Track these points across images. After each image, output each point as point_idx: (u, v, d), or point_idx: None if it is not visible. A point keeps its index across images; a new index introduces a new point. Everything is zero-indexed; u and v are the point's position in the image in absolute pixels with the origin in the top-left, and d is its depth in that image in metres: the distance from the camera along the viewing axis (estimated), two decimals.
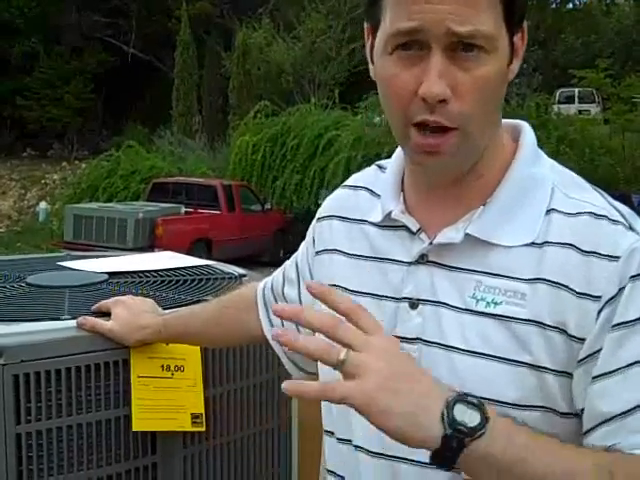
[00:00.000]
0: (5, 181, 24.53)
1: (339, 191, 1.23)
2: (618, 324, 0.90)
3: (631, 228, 0.94)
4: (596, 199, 0.97)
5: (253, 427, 1.73)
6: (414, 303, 1.01)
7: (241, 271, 2.08)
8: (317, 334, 0.87)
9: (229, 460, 1.68)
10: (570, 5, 28.33)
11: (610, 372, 0.90)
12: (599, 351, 0.90)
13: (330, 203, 1.22)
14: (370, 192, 1.15)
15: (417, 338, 1.00)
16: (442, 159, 0.95)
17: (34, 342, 1.44)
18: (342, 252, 1.13)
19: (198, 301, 1.71)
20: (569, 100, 21.24)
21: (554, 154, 14.91)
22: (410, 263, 1.03)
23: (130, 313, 1.49)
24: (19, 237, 18.86)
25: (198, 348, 1.55)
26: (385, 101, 0.97)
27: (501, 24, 0.92)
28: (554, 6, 26.85)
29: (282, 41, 22.63)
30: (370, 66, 1.02)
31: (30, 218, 21.40)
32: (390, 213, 1.06)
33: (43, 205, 20.72)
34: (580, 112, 19.28)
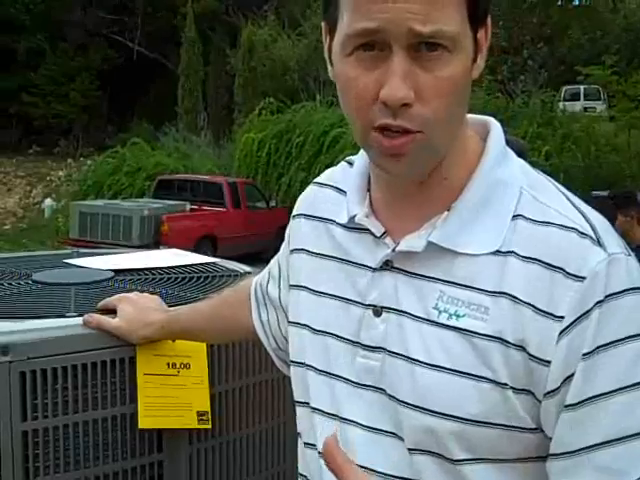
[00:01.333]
0: (11, 178, 24.58)
1: (308, 188, 1.19)
2: (589, 352, 0.85)
3: (599, 243, 0.89)
4: (567, 208, 0.93)
5: (259, 424, 1.73)
6: (378, 310, 0.98)
7: (246, 268, 2.08)
8: None
9: (235, 457, 1.68)
10: (576, 1, 28.26)
11: (578, 403, 0.86)
12: (568, 379, 0.86)
13: (301, 200, 1.19)
14: (337, 190, 1.10)
15: (380, 347, 0.97)
16: (406, 162, 0.91)
17: (40, 339, 1.44)
18: (307, 251, 1.11)
19: (203, 298, 1.71)
20: (575, 97, 21.20)
21: (559, 151, 14.89)
22: (375, 269, 0.99)
23: (135, 310, 1.49)
24: (24, 234, 18.91)
25: (204, 346, 1.55)
26: (345, 104, 0.93)
27: (465, 21, 0.88)
28: (560, 2, 26.78)
29: (287, 38, 22.62)
30: (329, 67, 0.98)
31: (36, 215, 21.45)
32: (355, 217, 1.02)
33: (49, 202, 20.74)
34: (586, 109, 19.27)
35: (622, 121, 15.35)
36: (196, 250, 10.19)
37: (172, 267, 2.07)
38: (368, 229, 1.01)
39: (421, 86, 0.87)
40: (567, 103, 19.26)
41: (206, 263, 2.15)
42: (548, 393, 0.88)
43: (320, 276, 1.07)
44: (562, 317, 0.86)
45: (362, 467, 0.94)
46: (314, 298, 1.07)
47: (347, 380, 1.01)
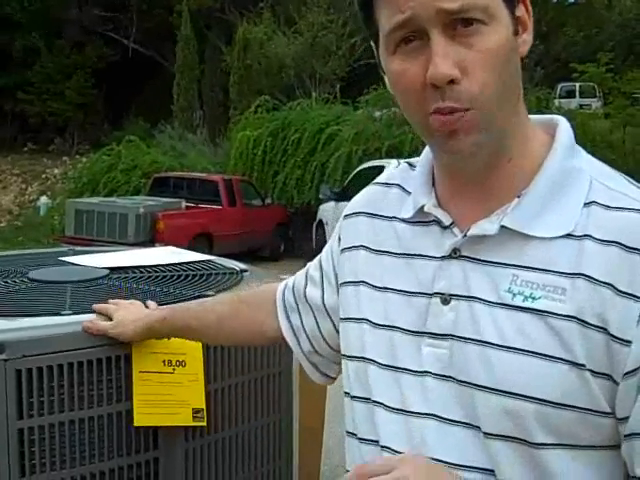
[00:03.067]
0: (6, 175, 24.53)
1: (369, 187, 1.19)
2: None
3: None
4: (638, 194, 0.94)
5: (254, 421, 1.74)
6: (446, 299, 0.98)
7: (242, 266, 2.09)
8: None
9: (230, 454, 1.69)
10: None
11: None
12: None
13: (358, 199, 1.19)
14: (402, 189, 1.12)
15: (449, 334, 0.97)
16: (465, 138, 0.92)
17: (36, 337, 1.45)
18: (367, 248, 1.11)
19: (199, 296, 1.71)
20: (570, 94, 21.21)
21: None
22: (442, 258, 1.00)
23: (129, 312, 1.50)
24: (20, 232, 18.86)
25: (200, 344, 1.55)
26: (400, 100, 0.96)
27: None
28: (556, 0, 26.81)
29: (283, 35, 22.57)
30: (386, 80, 1.00)
31: (31, 213, 21.39)
32: (422, 208, 1.03)
33: (44, 199, 20.70)
34: (581, 106, 19.27)
35: (617, 118, 15.35)
36: (192, 248, 10.17)
37: (168, 265, 2.08)
38: (434, 220, 1.03)
39: (465, 62, 0.89)
40: (562, 100, 19.26)
41: (202, 261, 2.15)
42: (627, 373, 0.87)
43: (381, 272, 1.07)
44: None
45: (433, 459, 0.96)
46: (375, 293, 1.07)
47: (413, 371, 1.00)
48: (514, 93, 0.96)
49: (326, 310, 1.23)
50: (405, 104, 0.96)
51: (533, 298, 0.92)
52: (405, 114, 0.98)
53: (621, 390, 0.88)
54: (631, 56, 22.49)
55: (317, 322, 1.26)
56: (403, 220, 1.08)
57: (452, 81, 0.89)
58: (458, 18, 0.88)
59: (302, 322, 1.28)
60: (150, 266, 2.05)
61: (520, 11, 0.95)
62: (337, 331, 1.18)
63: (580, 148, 1.01)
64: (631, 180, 0.98)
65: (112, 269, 1.98)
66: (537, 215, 0.95)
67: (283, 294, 1.34)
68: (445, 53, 0.89)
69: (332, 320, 1.22)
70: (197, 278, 1.94)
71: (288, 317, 1.31)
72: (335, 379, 1.31)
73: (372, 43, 1.01)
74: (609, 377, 0.89)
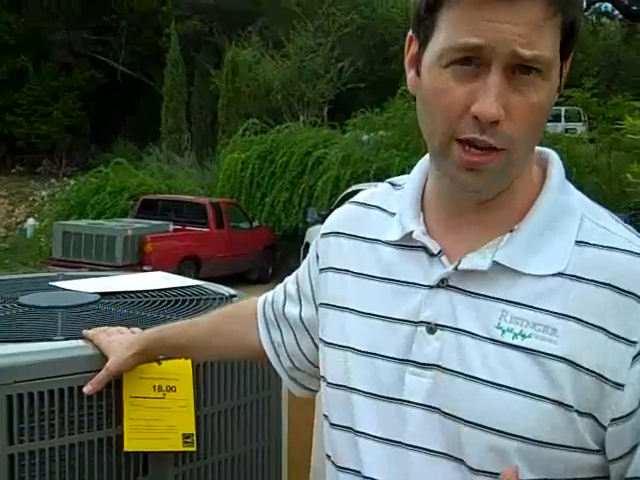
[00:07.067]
0: None
1: (347, 207, 1.18)
2: None
3: None
4: (629, 235, 0.95)
5: (244, 446, 1.74)
6: (432, 328, 0.98)
7: (231, 291, 2.10)
8: None
9: (220, 479, 1.69)
10: None
11: None
12: None
13: (337, 218, 1.18)
14: (383, 211, 1.11)
15: (434, 365, 0.97)
16: (483, 178, 0.92)
17: (27, 363, 1.45)
18: (351, 272, 1.09)
19: None
20: (555, 118, 21.33)
21: None
22: (430, 287, 0.99)
23: (119, 344, 1.49)
24: (7, 254, 18.77)
25: (190, 368, 1.56)
26: (429, 113, 0.95)
27: (557, 50, 0.91)
28: None
29: (271, 59, 22.70)
30: (408, 75, 0.99)
31: (18, 235, 21.30)
32: (411, 233, 1.02)
33: (31, 222, 20.61)
34: (566, 130, 19.41)
35: (602, 143, 15.45)
36: (179, 271, 10.18)
37: (158, 290, 2.09)
38: (422, 247, 1.02)
39: (511, 107, 0.89)
40: (548, 124, 19.41)
41: (191, 286, 2.16)
42: (622, 417, 0.88)
43: (367, 297, 1.06)
44: (635, 342, 0.87)
45: None
46: (360, 319, 1.06)
47: (396, 400, 1.00)
48: (536, 143, 0.98)
49: (304, 326, 1.23)
50: (433, 119, 0.94)
51: (523, 336, 0.92)
52: (426, 126, 0.96)
53: (613, 433, 0.89)
54: (616, 81, 22.70)
55: (297, 340, 1.26)
56: (387, 243, 1.06)
57: (495, 121, 0.89)
58: (522, 64, 0.88)
59: (282, 339, 1.28)
60: (140, 291, 2.06)
61: (566, 66, 0.96)
62: (316, 346, 1.18)
63: (569, 183, 1.02)
64: (617, 218, 0.99)
65: (103, 294, 1.99)
66: (529, 251, 0.95)
67: (264, 309, 1.33)
68: (499, 94, 0.88)
69: (311, 336, 1.22)
70: (187, 303, 1.95)
71: (269, 333, 1.31)
72: (316, 392, 1.31)
73: (414, 37, 0.99)
74: (593, 417, 0.89)
